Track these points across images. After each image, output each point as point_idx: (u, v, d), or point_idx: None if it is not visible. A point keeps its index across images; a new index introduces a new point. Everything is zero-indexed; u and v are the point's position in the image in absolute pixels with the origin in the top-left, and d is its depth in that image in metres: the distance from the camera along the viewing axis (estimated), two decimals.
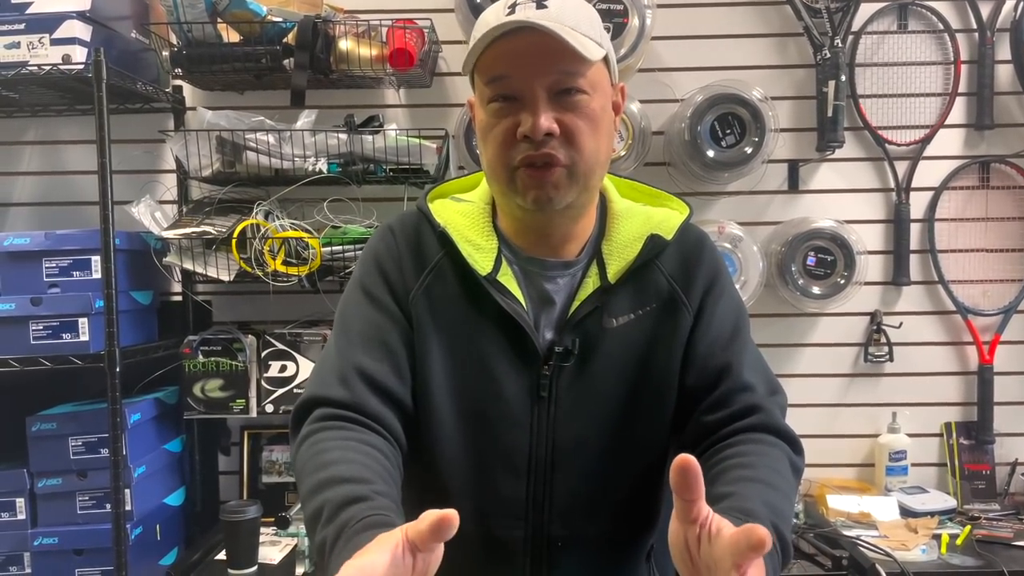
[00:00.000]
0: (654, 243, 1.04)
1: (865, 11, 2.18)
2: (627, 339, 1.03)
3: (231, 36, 1.93)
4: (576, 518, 1.04)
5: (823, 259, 2.12)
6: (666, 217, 1.07)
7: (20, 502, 1.84)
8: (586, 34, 0.93)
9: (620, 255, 1.04)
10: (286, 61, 1.92)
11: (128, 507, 1.81)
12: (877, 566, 1.70)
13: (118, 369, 1.75)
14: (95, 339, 1.79)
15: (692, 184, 2.20)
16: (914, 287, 2.24)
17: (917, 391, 2.25)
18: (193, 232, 1.92)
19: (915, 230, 2.22)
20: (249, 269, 1.91)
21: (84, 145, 2.20)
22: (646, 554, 1.09)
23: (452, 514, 0.64)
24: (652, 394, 1.03)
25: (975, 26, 2.19)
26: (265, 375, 2.00)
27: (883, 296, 2.25)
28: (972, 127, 2.23)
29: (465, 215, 1.06)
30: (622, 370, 1.03)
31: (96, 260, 1.81)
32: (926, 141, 2.21)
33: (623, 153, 2.04)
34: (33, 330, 1.78)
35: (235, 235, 1.91)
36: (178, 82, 2.12)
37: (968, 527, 1.97)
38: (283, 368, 2.00)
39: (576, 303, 1.02)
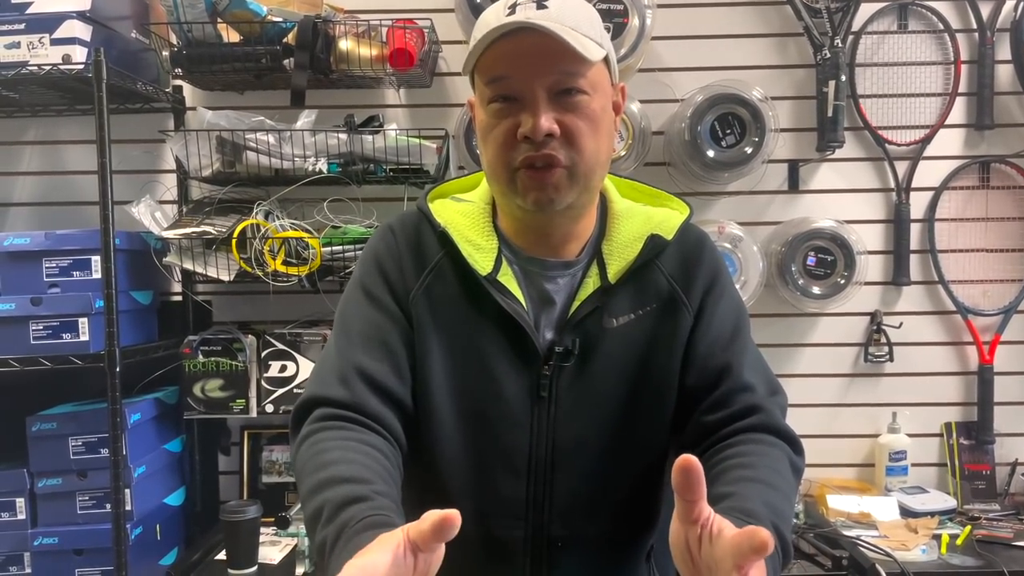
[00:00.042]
0: (654, 243, 1.04)
1: (865, 11, 2.18)
2: (627, 339, 1.03)
3: (231, 36, 1.93)
4: (576, 518, 1.04)
5: (823, 259, 2.12)
6: (666, 217, 1.07)
7: (20, 502, 1.84)
8: (586, 34, 0.93)
9: (620, 255, 1.04)
10: (286, 61, 1.92)
11: (128, 507, 1.81)
12: (877, 566, 1.70)
13: (118, 369, 1.75)
14: (95, 339, 1.79)
15: (692, 184, 2.20)
16: (914, 287, 2.24)
17: (917, 391, 2.25)
18: (193, 232, 1.92)
19: (915, 230, 2.22)
20: (249, 269, 1.91)
21: (84, 145, 2.20)
22: (646, 554, 1.09)
23: (454, 514, 0.64)
24: (652, 394, 1.03)
25: (975, 26, 2.19)
26: (265, 375, 2.00)
27: (883, 296, 2.25)
28: (972, 127, 2.23)
29: (465, 215, 1.06)
30: (622, 370, 1.03)
31: (96, 260, 1.81)
32: (926, 141, 2.21)
33: (623, 153, 2.04)
34: (33, 330, 1.78)
35: (235, 235, 1.91)
36: (178, 82, 2.11)
37: (968, 527, 1.97)
38: (283, 368, 2.00)
39: (576, 303, 1.02)
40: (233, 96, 2.17)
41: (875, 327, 2.23)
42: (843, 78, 2.12)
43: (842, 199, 2.23)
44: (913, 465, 2.19)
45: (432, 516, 0.64)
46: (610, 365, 1.02)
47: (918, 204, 2.23)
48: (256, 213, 1.95)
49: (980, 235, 2.24)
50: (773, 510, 0.85)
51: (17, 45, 1.78)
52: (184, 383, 1.99)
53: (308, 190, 1.99)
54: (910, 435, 2.19)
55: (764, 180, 2.22)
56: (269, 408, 2.00)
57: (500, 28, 0.92)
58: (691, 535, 0.70)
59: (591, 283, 1.03)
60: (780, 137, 2.11)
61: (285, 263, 1.91)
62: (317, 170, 1.93)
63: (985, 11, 2.18)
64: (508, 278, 1.03)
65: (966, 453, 2.23)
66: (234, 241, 1.90)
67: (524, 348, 1.01)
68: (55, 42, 1.77)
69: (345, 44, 1.93)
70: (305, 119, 1.97)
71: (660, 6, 2.07)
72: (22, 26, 1.78)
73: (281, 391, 2.00)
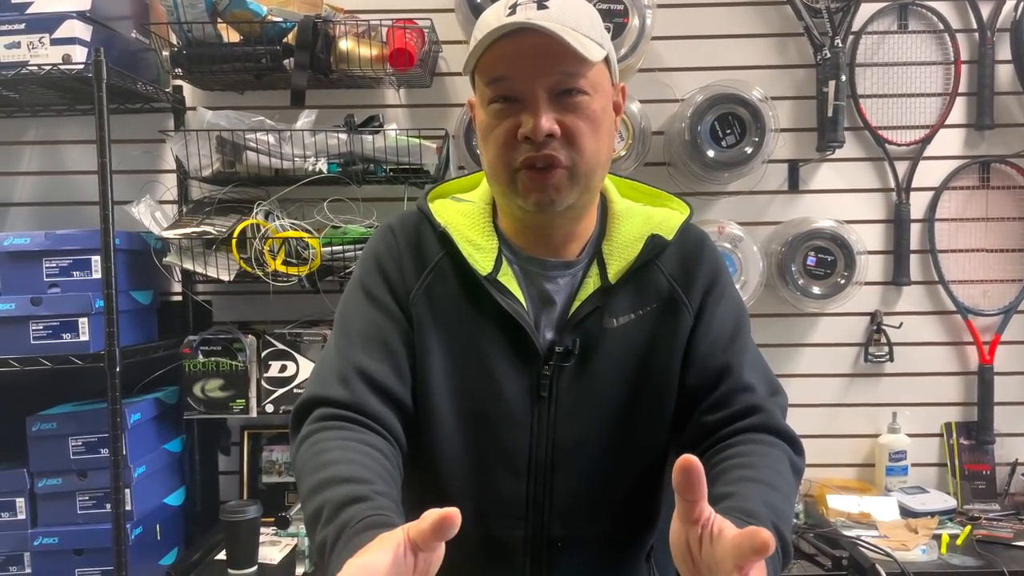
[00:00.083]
0: (654, 243, 1.04)
1: (865, 11, 2.18)
2: (627, 339, 1.03)
3: (231, 36, 1.93)
4: (576, 518, 1.04)
5: (823, 259, 2.12)
6: (667, 217, 1.07)
7: (20, 502, 1.84)
8: (587, 35, 0.93)
9: (621, 255, 1.04)
10: (286, 61, 1.92)
11: (128, 507, 1.81)
12: (877, 566, 1.70)
13: (118, 369, 1.75)
14: (95, 339, 1.79)
15: (692, 184, 2.20)
16: (914, 287, 2.24)
17: (917, 391, 2.25)
18: (193, 232, 1.92)
19: (915, 230, 2.22)
20: (249, 269, 1.91)
21: (84, 145, 2.20)
22: (646, 554, 1.09)
23: (454, 513, 0.64)
24: (652, 394, 1.03)
25: (975, 26, 2.19)
26: (265, 375, 2.00)
27: (883, 296, 2.25)
28: (972, 127, 2.23)
29: (465, 215, 1.06)
30: (622, 370, 1.03)
31: (96, 260, 1.81)
32: (926, 141, 2.21)
33: (623, 153, 2.04)
34: (33, 330, 1.78)
35: (235, 235, 1.91)
36: (178, 82, 2.11)
37: (968, 527, 1.97)
38: (283, 368, 2.00)
39: (576, 303, 1.02)
40: (233, 96, 2.17)
41: (875, 327, 2.23)
42: (843, 78, 2.12)
43: (842, 199, 2.23)
44: (913, 465, 2.19)
45: (432, 515, 0.64)
46: (610, 365, 1.02)
47: (918, 204, 2.23)
48: (256, 213, 1.95)
49: (980, 235, 2.24)
50: (773, 510, 0.85)
51: (17, 45, 1.78)
52: (184, 383, 1.99)
53: (308, 190, 1.99)
54: (910, 435, 2.19)
55: (764, 180, 2.22)
56: (269, 408, 2.00)
57: (501, 28, 0.92)
58: (691, 535, 0.70)
59: (591, 283, 1.03)
60: (780, 137, 2.11)
61: (285, 263, 1.91)
62: (317, 170, 1.93)
63: (985, 11, 2.18)
64: (508, 278, 1.03)
65: (966, 453, 2.23)
66: (234, 241, 1.90)
67: (524, 348, 1.01)
68: (55, 42, 1.77)
69: (345, 44, 1.93)
70: (305, 119, 1.97)
71: (660, 6, 2.07)
72: (22, 26, 1.78)
73: (281, 391, 2.00)
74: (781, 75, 2.22)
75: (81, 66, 1.77)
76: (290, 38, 1.93)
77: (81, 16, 1.80)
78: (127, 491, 1.81)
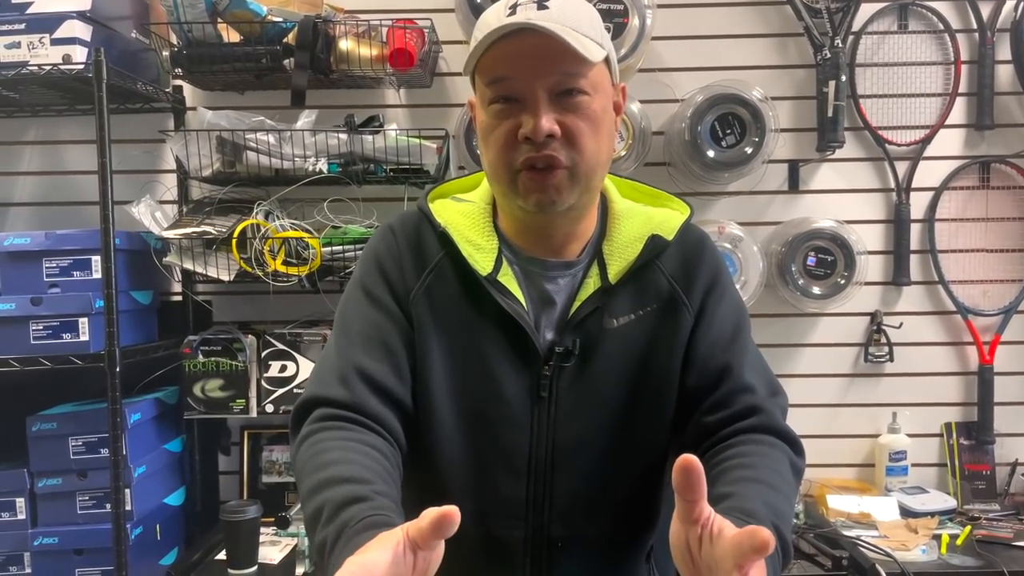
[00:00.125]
0: (655, 243, 1.04)
1: (865, 11, 2.18)
2: (628, 339, 1.03)
3: (231, 36, 1.93)
4: (576, 518, 1.04)
5: (823, 259, 2.12)
6: (667, 217, 1.07)
7: (20, 502, 1.84)
8: (587, 35, 0.93)
9: (621, 255, 1.04)
10: (286, 61, 1.92)
11: (128, 507, 1.81)
12: (877, 566, 1.70)
13: (118, 369, 1.75)
14: (95, 339, 1.79)
15: (692, 184, 2.20)
16: (914, 287, 2.24)
17: (917, 391, 2.25)
18: (193, 232, 1.92)
19: (915, 230, 2.23)
20: (249, 269, 1.91)
21: (84, 145, 2.20)
22: (646, 554, 1.09)
23: (453, 511, 0.64)
24: (652, 395, 1.03)
25: (975, 26, 2.19)
26: (265, 375, 2.00)
27: (883, 296, 2.25)
28: (972, 127, 2.23)
29: (466, 215, 1.06)
30: (623, 371, 1.03)
31: (96, 260, 1.81)
32: (926, 141, 2.21)
33: (623, 153, 2.04)
34: (33, 330, 1.78)
35: (235, 235, 1.91)
36: (178, 82, 2.11)
37: (968, 527, 1.97)
38: (283, 368, 2.00)
39: (577, 303, 1.02)
40: (233, 96, 2.17)
41: (875, 327, 2.23)
42: (843, 78, 2.12)
43: (842, 199, 2.23)
44: (913, 465, 2.19)
45: (431, 513, 0.64)
46: (610, 365, 1.02)
47: (918, 204, 2.23)
48: (256, 213, 1.95)
49: (980, 235, 2.24)
50: (773, 510, 0.85)
51: (17, 45, 1.78)
52: (184, 383, 1.99)
53: (308, 190, 1.99)
54: (910, 435, 2.19)
55: (764, 180, 2.22)
56: (269, 408, 2.00)
57: (501, 29, 0.92)
58: (691, 535, 0.70)
59: (592, 283, 1.03)
60: (780, 137, 2.11)
61: (285, 263, 1.91)
62: (317, 170, 1.93)
63: (985, 11, 2.18)
64: (508, 278, 1.03)
65: (966, 453, 2.23)
66: (234, 241, 1.90)
67: (524, 348, 1.01)
68: (55, 42, 1.77)
69: (345, 44, 1.93)
70: (305, 119, 1.97)
71: (660, 6, 2.07)
72: (22, 26, 1.78)
73: (281, 391, 2.00)
74: (781, 75, 2.22)
75: (81, 66, 1.77)
76: (290, 38, 1.93)
77: (81, 16, 1.80)
78: (127, 491, 1.81)
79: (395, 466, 0.94)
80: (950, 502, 2.11)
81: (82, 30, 1.79)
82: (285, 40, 1.92)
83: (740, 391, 1.00)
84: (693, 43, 2.21)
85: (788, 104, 2.21)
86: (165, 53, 1.95)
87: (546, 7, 0.92)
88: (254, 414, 2.00)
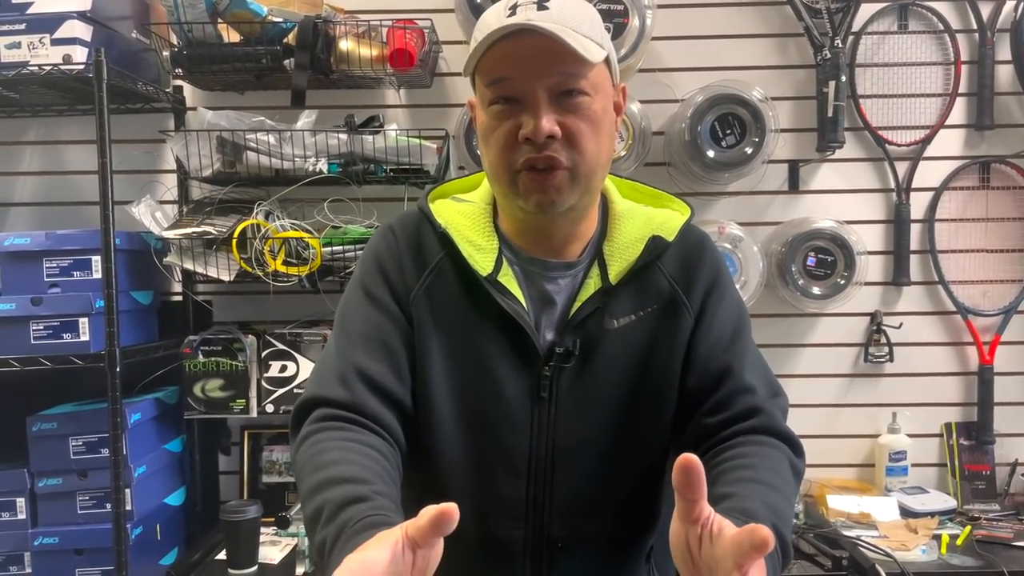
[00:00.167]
0: (655, 244, 1.04)
1: (865, 11, 2.19)
2: (628, 340, 1.03)
3: (231, 36, 1.93)
4: (576, 519, 1.04)
5: (823, 259, 2.12)
6: (667, 218, 1.07)
7: (20, 502, 1.84)
8: (587, 35, 0.93)
9: (622, 256, 1.04)
10: (286, 61, 1.92)
11: (128, 507, 1.81)
12: (877, 566, 1.71)
13: (118, 369, 1.75)
14: (95, 339, 1.79)
15: (692, 184, 2.20)
16: (914, 287, 2.24)
17: (917, 391, 2.25)
18: (193, 232, 1.92)
19: (915, 230, 2.23)
20: (249, 269, 1.91)
21: (85, 145, 2.20)
22: (646, 555, 1.09)
23: (451, 508, 0.64)
24: (653, 395, 1.03)
25: (975, 26, 2.19)
26: (265, 375, 2.00)
27: (883, 296, 2.25)
28: (972, 127, 2.23)
29: (466, 215, 1.06)
30: (623, 371, 1.03)
31: (96, 260, 1.81)
32: (926, 141, 2.21)
33: (623, 153, 2.04)
34: (33, 330, 1.78)
35: (235, 235, 1.91)
36: (178, 82, 2.12)
37: (968, 527, 1.97)
38: (283, 368, 2.00)
39: (577, 304, 1.02)
40: (233, 96, 2.17)
41: (875, 327, 2.23)
42: (843, 78, 2.12)
43: (842, 199, 2.24)
44: (913, 465, 2.19)
45: (430, 511, 0.65)
46: (611, 366, 1.02)
47: (918, 204, 2.23)
48: (256, 213, 1.95)
49: (980, 235, 2.24)
50: (773, 511, 0.85)
51: (18, 45, 1.78)
52: (184, 383, 1.99)
53: (308, 190, 1.99)
54: (910, 435, 2.19)
55: (764, 180, 2.22)
56: (269, 408, 2.00)
57: (501, 30, 0.92)
58: (691, 534, 0.70)
59: (592, 284, 1.03)
60: (780, 137, 2.11)
61: (285, 263, 1.92)
62: (317, 170, 1.93)
63: (985, 11, 2.18)
64: (509, 279, 1.03)
65: (966, 453, 2.23)
66: (234, 241, 1.91)
67: (525, 349, 1.01)
68: (56, 42, 1.77)
69: (345, 44, 1.94)
70: (305, 119, 1.97)
71: (660, 6, 2.07)
72: (23, 26, 1.78)
73: (281, 391, 2.00)
74: (781, 75, 2.22)
75: (82, 66, 1.77)
76: (290, 38, 1.93)
77: (81, 16, 1.80)
78: (127, 491, 1.81)
79: (395, 466, 0.94)
80: (950, 502, 2.11)
81: (82, 30, 1.79)
82: (285, 40, 1.93)
83: (740, 392, 1.00)
84: (693, 43, 2.21)
85: (788, 104, 2.21)
86: (165, 53, 1.95)
87: (546, 7, 0.92)
88: (254, 414, 2.00)
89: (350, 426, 0.95)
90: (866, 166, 2.24)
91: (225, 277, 1.94)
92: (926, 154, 2.21)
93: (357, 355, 1.00)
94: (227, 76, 1.97)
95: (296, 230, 1.94)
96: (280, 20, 1.92)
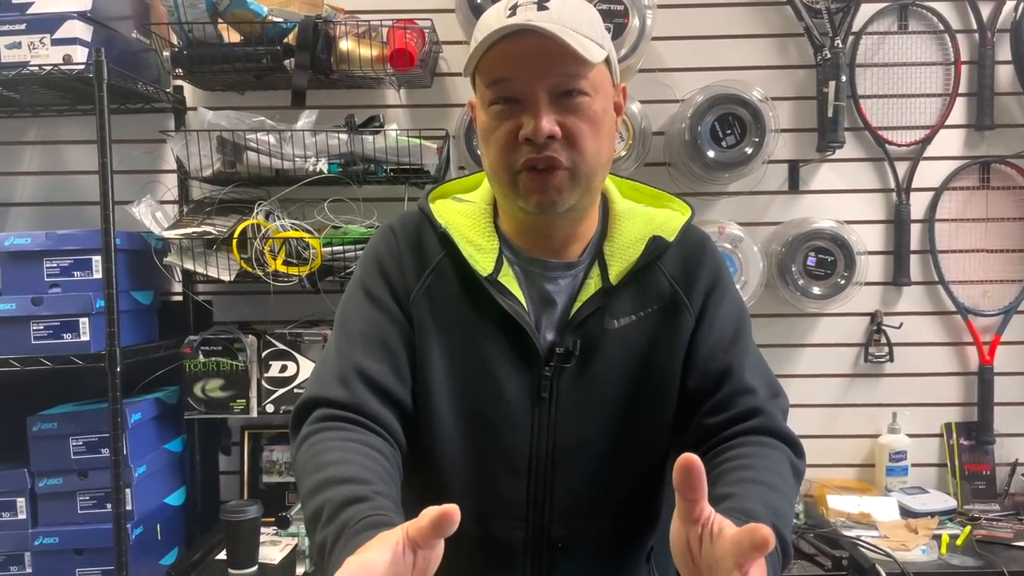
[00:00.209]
0: (656, 244, 1.04)
1: (865, 12, 2.19)
2: (628, 340, 1.03)
3: (232, 36, 1.93)
4: (577, 519, 1.04)
5: (823, 259, 2.12)
6: (668, 218, 1.07)
7: (21, 502, 1.84)
8: (587, 36, 0.93)
9: (622, 256, 1.04)
10: (287, 61, 1.92)
11: (129, 507, 1.81)
12: (877, 566, 1.71)
13: (119, 369, 1.75)
14: (96, 339, 1.79)
15: (692, 184, 2.20)
16: (914, 287, 2.24)
17: (917, 391, 2.25)
18: (194, 232, 1.92)
19: (915, 230, 2.23)
20: (250, 269, 1.91)
21: (85, 145, 2.20)
22: (646, 555, 1.09)
23: (453, 509, 0.64)
24: (653, 395, 1.03)
25: (975, 27, 2.19)
26: (265, 375, 2.00)
27: (883, 296, 2.25)
28: (972, 127, 2.23)
29: (466, 215, 1.06)
30: (623, 371, 1.03)
31: (97, 260, 1.81)
32: (926, 142, 2.21)
33: (623, 153, 2.04)
34: (34, 330, 1.78)
35: (236, 235, 1.91)
36: (179, 82, 2.12)
37: (968, 527, 1.97)
38: (283, 368, 2.00)
39: (577, 304, 1.02)
40: (234, 96, 2.17)
41: (875, 327, 2.23)
42: (843, 78, 2.12)
43: (842, 199, 2.24)
44: (913, 465, 2.19)
45: (431, 512, 0.65)
46: (611, 366, 1.02)
47: (918, 204, 2.23)
48: (257, 213, 1.95)
49: (980, 236, 2.24)
50: (773, 511, 0.85)
51: (18, 45, 1.78)
52: (184, 383, 2.00)
53: (309, 190, 1.99)
54: (910, 435, 2.19)
55: (764, 180, 2.22)
56: (269, 408, 2.00)
57: (501, 30, 0.92)
58: (692, 534, 0.70)
59: (592, 284, 1.03)
60: (780, 137, 2.12)
61: (286, 263, 1.92)
62: (318, 170, 1.93)
63: (985, 12, 2.18)
64: (509, 279, 1.03)
65: (966, 453, 2.23)
66: (235, 241, 1.91)
67: (525, 349, 1.01)
68: (56, 42, 1.77)
69: (346, 44, 1.94)
70: (306, 119, 1.97)
71: (660, 6, 2.07)
72: (23, 26, 1.78)
73: (281, 391, 2.00)
74: (781, 75, 2.22)
75: (82, 66, 1.77)
76: (291, 38, 1.93)
77: (82, 16, 1.80)
78: (128, 491, 1.81)
79: (395, 466, 0.94)
80: (950, 502, 2.11)
81: (83, 30, 1.79)
82: (285, 40, 1.93)
83: (741, 393, 1.00)
84: (693, 43, 2.21)
85: (788, 104, 2.21)
86: (166, 53, 1.95)
87: (546, 8, 0.92)
88: (254, 414, 2.00)
89: (350, 426, 0.95)
90: (866, 166, 2.24)
91: (225, 277, 1.94)
92: (926, 154, 2.21)
93: (357, 355, 1.00)
94: (227, 76, 1.97)
95: (296, 230, 1.94)
96: (280, 20, 1.92)
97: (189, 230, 1.93)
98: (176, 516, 2.09)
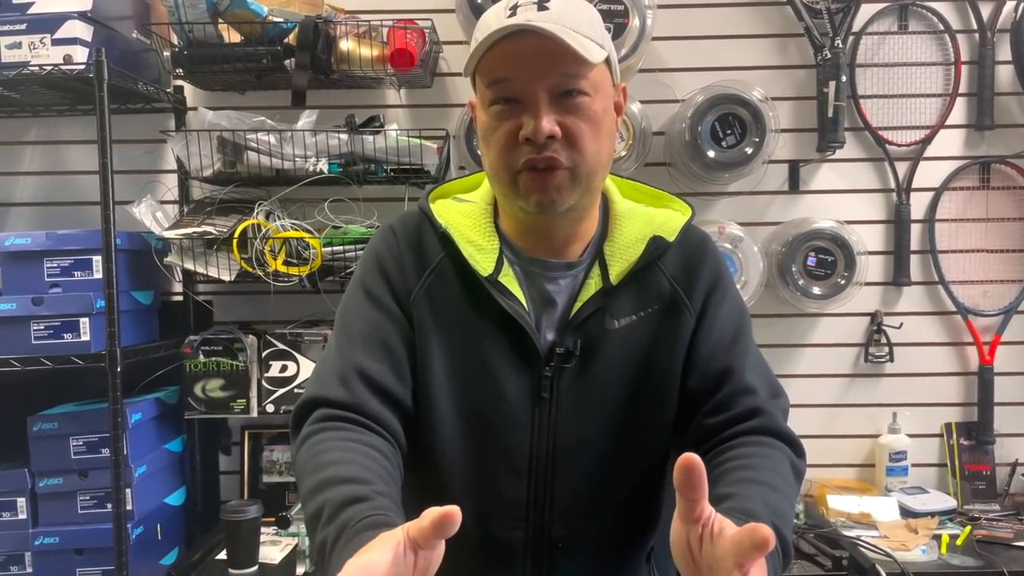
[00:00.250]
0: (656, 244, 1.04)
1: (866, 12, 2.19)
2: (629, 340, 1.03)
3: (232, 36, 1.93)
4: (577, 519, 1.04)
5: (823, 259, 2.12)
6: (668, 218, 1.07)
7: (21, 502, 1.84)
8: (587, 36, 0.93)
9: (622, 256, 1.04)
10: (287, 61, 1.92)
11: (129, 507, 1.81)
12: (877, 566, 1.71)
13: (119, 369, 1.75)
14: (96, 339, 1.79)
15: (693, 184, 2.20)
16: (914, 287, 2.24)
17: (917, 391, 2.25)
18: (194, 232, 1.92)
19: (915, 231, 2.23)
20: (250, 269, 1.91)
21: (85, 145, 2.20)
22: (646, 555, 1.09)
23: (454, 510, 0.64)
24: (653, 396, 1.03)
25: (975, 27, 2.19)
26: (266, 375, 2.00)
27: (883, 296, 2.25)
28: (972, 128, 2.23)
29: (467, 215, 1.07)
30: (623, 371, 1.03)
31: (97, 260, 1.81)
32: (927, 142, 2.21)
33: (624, 153, 2.04)
34: (34, 330, 1.78)
35: (236, 235, 1.91)
36: (179, 82, 2.12)
37: (968, 527, 1.97)
38: (284, 368, 2.00)
39: (578, 304, 1.02)
40: (234, 96, 2.18)
41: (875, 327, 2.23)
42: (843, 79, 2.12)
43: (842, 199, 2.24)
44: (913, 465, 2.19)
45: (432, 513, 0.65)
46: (611, 366, 1.02)
47: (918, 205, 2.23)
48: (257, 213, 1.95)
49: (980, 236, 2.24)
50: (774, 511, 0.85)
51: (18, 45, 1.78)
52: (185, 383, 2.00)
53: (309, 190, 1.99)
54: (910, 435, 2.19)
55: (764, 180, 2.22)
56: (270, 408, 2.00)
57: (501, 30, 0.92)
58: (692, 534, 0.70)
59: (593, 284, 1.03)
60: (780, 137, 2.12)
61: (286, 263, 1.92)
62: (318, 170, 1.93)
63: (985, 12, 2.18)
64: (509, 279, 1.03)
65: (966, 453, 2.23)
66: (235, 241, 1.91)
67: (525, 349, 1.01)
68: (56, 42, 1.77)
69: (346, 44, 1.94)
70: (306, 119, 1.97)
71: (660, 6, 2.07)
72: (23, 26, 1.78)
73: (282, 391, 2.00)
74: (781, 75, 2.22)
75: (82, 66, 1.77)
76: (291, 38, 1.93)
77: (82, 16, 1.80)
78: (128, 491, 1.81)
79: (395, 466, 0.94)
80: (950, 502, 2.11)
81: (83, 30, 1.79)
82: (286, 40, 1.93)
83: (741, 393, 1.00)
84: (693, 43, 2.21)
85: (788, 104, 2.21)
86: (166, 53, 1.95)
87: (546, 8, 0.92)
88: (255, 414, 2.00)
89: (350, 426, 0.95)
90: (866, 166, 2.24)
91: (226, 277, 1.94)
92: (926, 154, 2.21)
93: (357, 355, 1.00)
94: (228, 76, 1.98)
95: (296, 230, 1.94)
96: (281, 20, 1.92)
97: (189, 230, 1.93)
98: (176, 516, 2.09)
